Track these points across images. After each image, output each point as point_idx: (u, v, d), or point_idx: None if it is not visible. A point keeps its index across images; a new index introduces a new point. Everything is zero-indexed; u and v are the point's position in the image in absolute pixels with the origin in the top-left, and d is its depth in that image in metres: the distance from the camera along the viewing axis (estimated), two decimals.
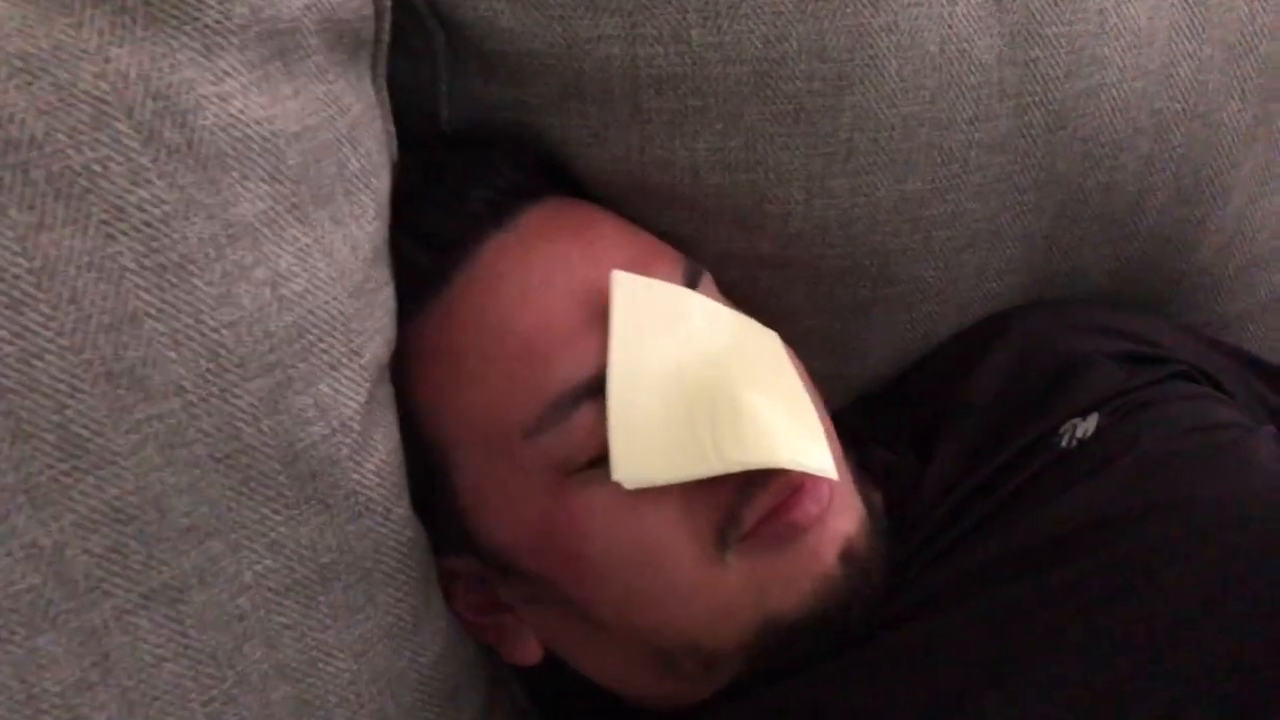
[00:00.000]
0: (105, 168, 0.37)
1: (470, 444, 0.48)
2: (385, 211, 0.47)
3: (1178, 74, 0.57)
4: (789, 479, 0.46)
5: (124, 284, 0.37)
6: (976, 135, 0.54)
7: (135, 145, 0.37)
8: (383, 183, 0.47)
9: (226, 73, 0.39)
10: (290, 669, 0.43)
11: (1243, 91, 0.59)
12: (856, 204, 0.54)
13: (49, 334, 0.36)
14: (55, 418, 0.37)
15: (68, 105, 0.36)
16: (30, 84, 0.36)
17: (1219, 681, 0.44)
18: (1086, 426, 0.52)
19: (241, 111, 0.40)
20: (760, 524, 0.46)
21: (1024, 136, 0.55)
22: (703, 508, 0.46)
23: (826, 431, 0.49)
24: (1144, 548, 0.47)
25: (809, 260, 0.56)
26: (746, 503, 0.46)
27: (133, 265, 0.38)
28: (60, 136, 0.36)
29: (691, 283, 0.50)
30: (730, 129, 0.51)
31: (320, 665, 0.44)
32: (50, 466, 0.37)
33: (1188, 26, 0.56)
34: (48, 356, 0.36)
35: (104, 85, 0.37)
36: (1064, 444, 0.52)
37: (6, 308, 0.36)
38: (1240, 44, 0.58)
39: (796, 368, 0.51)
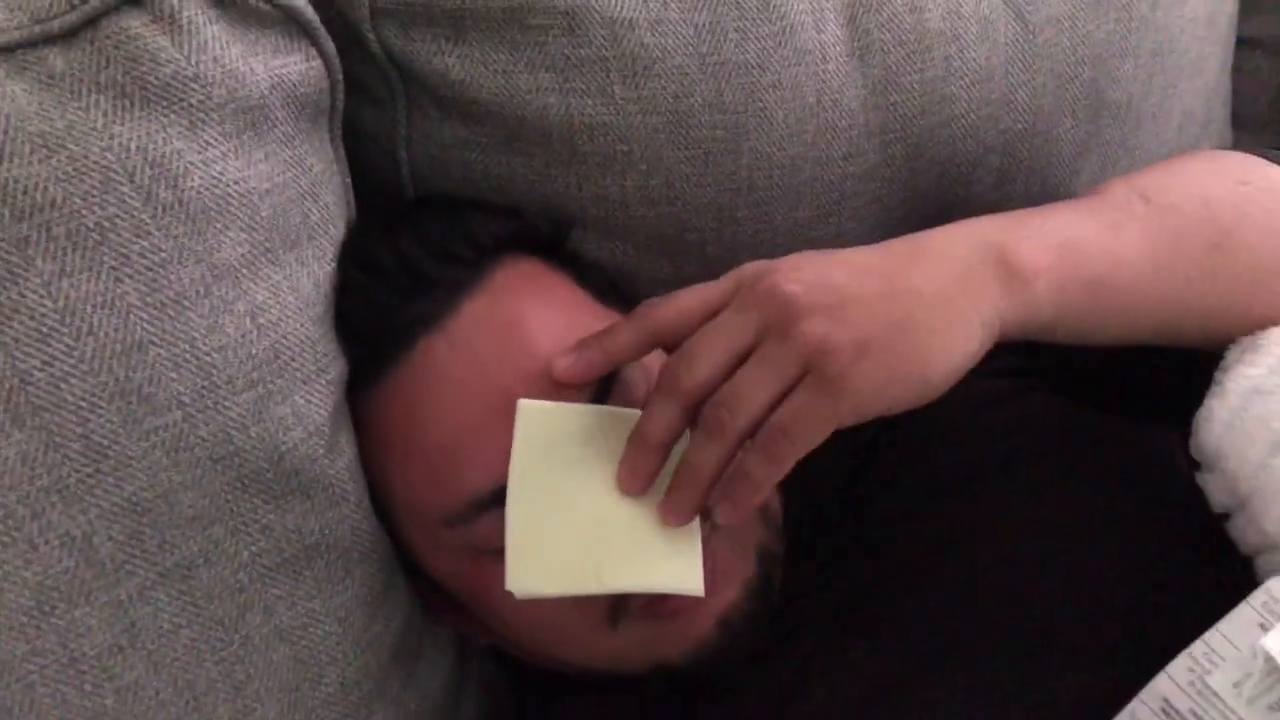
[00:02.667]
0: (113, 224, 0.41)
1: (402, 513, 0.51)
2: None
3: (1016, 100, 0.62)
4: None
5: (130, 318, 0.42)
6: (850, 168, 0.58)
7: (137, 204, 0.42)
8: (339, 229, 0.51)
9: (208, 143, 0.44)
10: (286, 632, 0.48)
11: (1073, 111, 0.64)
12: (759, 230, 0.58)
13: (72, 361, 0.41)
14: (79, 429, 0.41)
15: (81, 174, 0.41)
16: (49, 157, 0.40)
17: (1073, 607, 0.48)
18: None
19: (222, 174, 0.44)
20: (644, 606, 0.48)
21: (889, 166, 0.59)
22: (594, 599, 0.48)
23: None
24: (1008, 494, 0.52)
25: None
26: (632, 596, 0.48)
27: (137, 303, 0.42)
28: (76, 199, 0.41)
29: (608, 378, 0.49)
30: (652, 169, 0.55)
31: (310, 629, 0.49)
32: (77, 470, 0.41)
33: (1020, 60, 0.61)
34: (71, 380, 0.41)
35: (110, 156, 0.41)
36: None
37: (37, 340, 0.40)
38: (1066, 72, 0.63)
39: None
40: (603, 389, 0.48)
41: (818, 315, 0.41)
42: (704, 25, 0.53)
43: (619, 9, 0.52)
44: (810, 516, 0.55)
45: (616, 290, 0.56)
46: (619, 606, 0.49)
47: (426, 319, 0.49)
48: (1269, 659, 0.41)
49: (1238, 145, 0.88)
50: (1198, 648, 0.42)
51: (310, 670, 0.49)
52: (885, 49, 0.56)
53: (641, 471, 0.44)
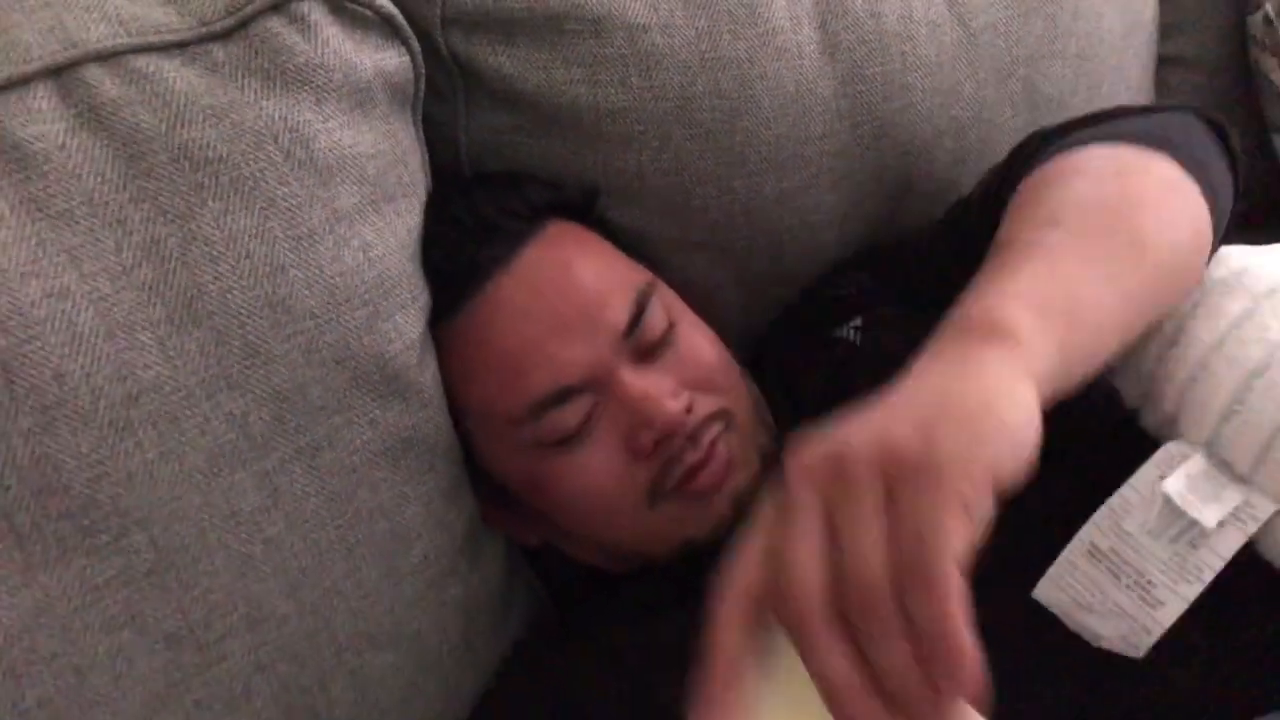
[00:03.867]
0: (263, 174, 0.54)
1: (474, 417, 0.63)
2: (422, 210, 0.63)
3: (963, 91, 0.75)
4: (699, 456, 0.59)
5: (276, 248, 0.54)
6: (825, 146, 0.71)
7: (280, 160, 0.54)
8: (421, 192, 0.63)
9: (329, 115, 0.57)
10: (386, 509, 0.59)
11: (1012, 103, 0.77)
12: (752, 198, 0.70)
13: (235, 277, 0.53)
14: (239, 331, 0.53)
15: (239, 136, 0.53)
16: (217, 124, 0.53)
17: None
18: (855, 325, 0.67)
19: (340, 139, 0.57)
20: (676, 487, 0.60)
21: (859, 144, 0.72)
22: (639, 474, 0.60)
23: (739, 389, 0.63)
24: None
25: (724, 244, 0.72)
26: (668, 473, 0.60)
27: (281, 235, 0.54)
28: (236, 156, 0.53)
29: (642, 303, 0.61)
30: (663, 146, 0.67)
31: (403, 508, 0.60)
32: (238, 363, 0.53)
33: (964, 58, 0.74)
34: (234, 292, 0.53)
35: (260, 124, 0.54)
36: (850, 338, 0.66)
37: (209, 261, 0.52)
38: (1003, 69, 0.76)
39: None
40: (639, 307, 0.61)
41: (862, 443, 0.35)
42: (703, 28, 0.66)
43: (636, 16, 0.65)
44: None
45: (634, 250, 0.68)
46: (657, 488, 0.60)
47: (497, 260, 0.61)
48: (1166, 499, 0.53)
49: None
50: (1114, 500, 0.53)
51: (402, 542, 0.60)
52: (850, 47, 0.70)
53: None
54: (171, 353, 0.51)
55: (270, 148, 0.54)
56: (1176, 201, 0.52)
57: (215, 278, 0.53)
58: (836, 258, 0.77)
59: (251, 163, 0.53)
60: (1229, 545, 0.49)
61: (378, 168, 0.59)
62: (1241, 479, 0.52)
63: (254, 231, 0.53)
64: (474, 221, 0.62)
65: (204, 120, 0.53)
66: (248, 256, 0.53)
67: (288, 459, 0.55)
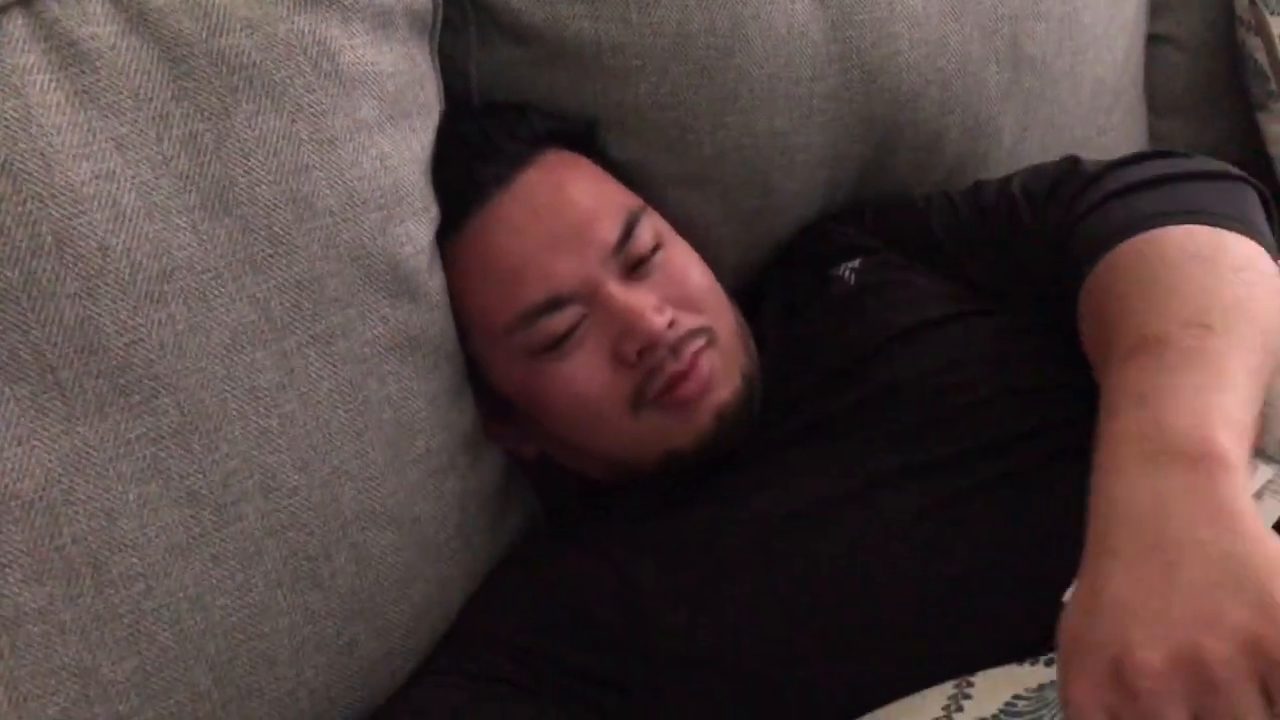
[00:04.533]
0: (291, 81, 0.59)
1: (476, 329, 0.68)
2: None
3: (949, 43, 0.79)
4: (680, 366, 0.64)
5: (301, 149, 0.59)
6: (816, 88, 0.76)
7: (308, 69, 0.60)
8: (435, 114, 0.68)
9: (354, 33, 0.62)
10: (393, 400, 0.64)
11: (997, 59, 0.82)
12: (743, 135, 0.75)
13: (263, 171, 0.58)
14: (265, 220, 0.58)
15: (271, 45, 0.59)
16: (252, 34, 0.58)
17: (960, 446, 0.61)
18: (853, 266, 0.73)
19: (363, 56, 0.62)
20: (658, 395, 0.65)
21: (848, 89, 0.77)
22: (623, 382, 0.65)
23: (723, 312, 0.69)
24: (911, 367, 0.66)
25: (717, 178, 0.76)
26: (650, 382, 0.65)
27: (306, 138, 0.60)
28: (268, 63, 0.58)
29: (631, 223, 0.66)
30: (660, 81, 0.72)
31: (409, 401, 0.65)
32: (262, 250, 0.59)
33: (951, 11, 0.79)
34: (262, 185, 0.58)
35: (291, 35, 0.59)
36: (845, 277, 0.72)
37: (240, 156, 0.58)
38: (989, 25, 0.81)
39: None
40: (627, 230, 0.66)
41: (1208, 637, 0.37)
42: None
43: None
44: (786, 368, 0.72)
45: (629, 180, 0.72)
46: (639, 396, 0.65)
47: (498, 179, 0.66)
48: None
49: (1154, 127, 1.04)
50: None
51: (406, 433, 0.65)
52: None
53: None
54: (203, 236, 0.57)
55: (299, 58, 0.59)
56: (1274, 277, 0.54)
57: (245, 172, 0.58)
58: (825, 198, 0.81)
59: (281, 70, 0.59)
60: (1270, 514, 0.48)
61: (396, 86, 0.64)
62: (1272, 459, 0.51)
63: (282, 132, 0.59)
64: (479, 144, 0.67)
65: (240, 29, 0.58)
66: (275, 155, 0.59)
67: (304, 343, 0.60)
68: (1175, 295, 0.52)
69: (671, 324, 0.65)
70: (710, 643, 0.63)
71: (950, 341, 0.67)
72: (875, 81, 0.78)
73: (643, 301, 0.65)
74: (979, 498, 0.60)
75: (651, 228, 0.68)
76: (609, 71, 0.72)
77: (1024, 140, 0.88)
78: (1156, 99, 1.05)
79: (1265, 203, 0.63)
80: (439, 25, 0.69)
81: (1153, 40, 1.04)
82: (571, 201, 0.66)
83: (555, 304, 0.65)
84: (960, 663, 0.54)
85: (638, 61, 0.71)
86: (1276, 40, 0.97)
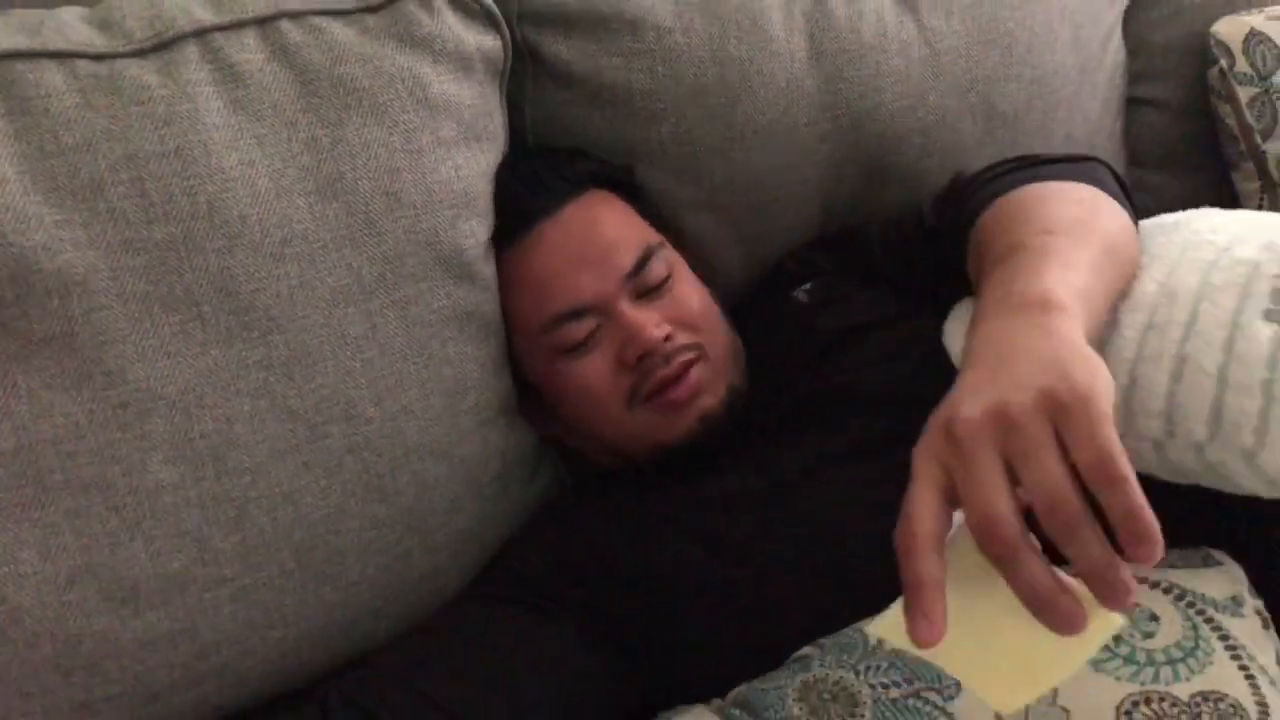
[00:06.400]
0: (390, 104, 0.76)
1: (512, 328, 0.82)
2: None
3: (928, 99, 0.93)
4: (669, 371, 0.77)
5: (395, 156, 0.76)
6: (810, 131, 0.90)
7: (404, 96, 0.77)
8: (501, 144, 0.84)
9: (442, 72, 0.79)
10: (450, 360, 0.79)
11: (972, 114, 0.96)
12: (747, 169, 0.89)
13: (365, 169, 0.75)
14: (363, 208, 0.75)
15: (379, 74, 0.76)
16: (364, 65, 0.76)
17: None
18: (806, 289, 0.86)
19: (446, 89, 0.79)
20: (650, 395, 0.78)
21: (838, 133, 0.91)
22: (622, 382, 0.78)
23: (717, 333, 0.82)
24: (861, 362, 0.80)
25: (728, 205, 0.91)
26: (644, 382, 0.78)
27: (399, 148, 0.76)
28: (375, 89, 0.75)
29: (645, 258, 0.79)
30: (680, 122, 0.87)
31: (464, 364, 0.80)
32: (360, 229, 0.75)
33: (930, 72, 0.93)
34: (363, 182, 0.75)
35: (393, 69, 0.77)
36: (799, 298, 0.86)
37: (348, 157, 0.75)
38: (963, 84, 0.95)
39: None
40: (640, 262, 0.80)
41: (1018, 398, 0.44)
42: (715, 33, 0.87)
43: (663, 20, 0.85)
44: (758, 375, 0.86)
45: (663, 221, 0.87)
46: (634, 394, 0.79)
47: (545, 210, 0.81)
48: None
49: (1138, 181, 1.16)
50: None
51: (460, 387, 0.80)
52: (833, 54, 0.90)
53: (1066, 613, 0.43)
54: (317, 215, 0.74)
55: (399, 86, 0.77)
56: (1117, 210, 0.70)
57: (351, 169, 0.75)
58: (820, 226, 0.96)
59: (385, 94, 0.76)
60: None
61: (471, 114, 0.81)
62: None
63: (381, 141, 0.76)
64: (533, 180, 0.82)
65: (355, 61, 0.76)
66: (375, 158, 0.76)
67: (385, 305, 0.77)
68: (1030, 217, 0.65)
69: (668, 338, 0.78)
70: (699, 580, 0.76)
71: (880, 342, 0.81)
72: (862, 127, 0.93)
73: (645, 318, 0.78)
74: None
75: (665, 261, 0.82)
76: (638, 113, 0.87)
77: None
78: (1139, 155, 1.17)
79: (1117, 178, 0.77)
80: (508, 71, 0.86)
81: (1133, 103, 1.16)
82: (600, 233, 0.80)
83: (576, 314, 0.79)
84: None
85: (661, 105, 0.87)
86: (1245, 108, 1.11)
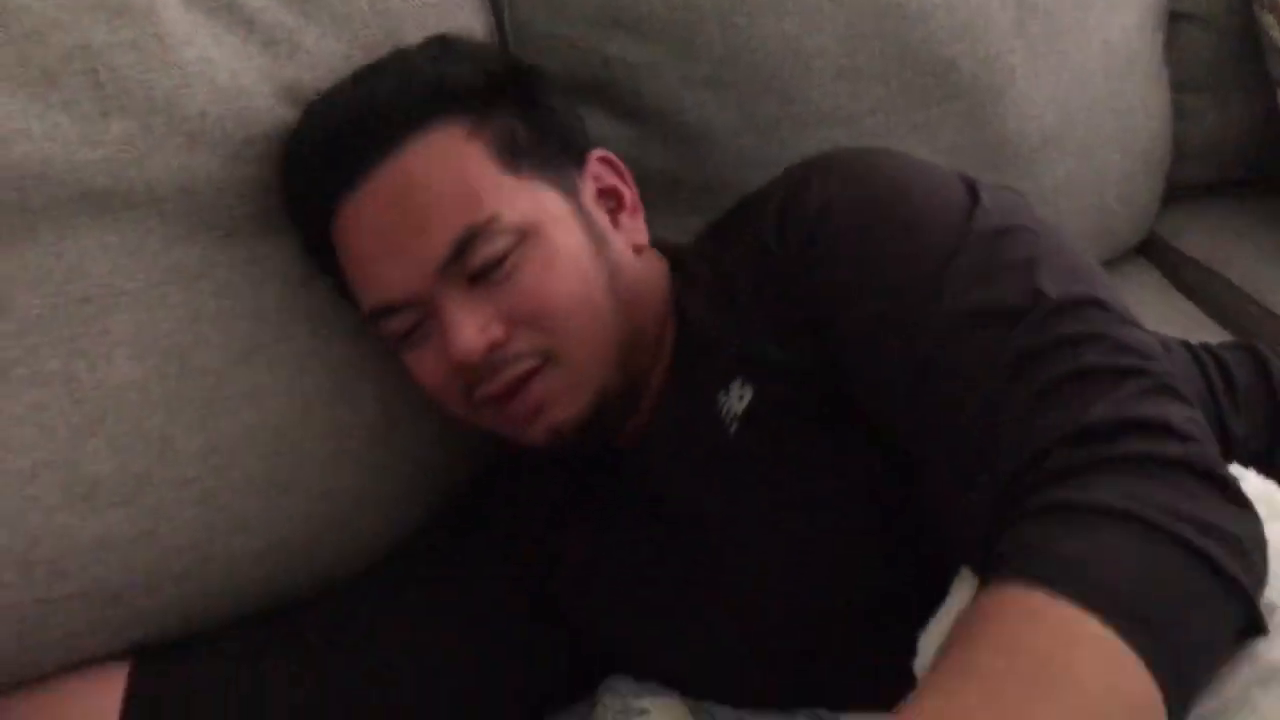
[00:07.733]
0: (351, 16, 0.76)
1: None
2: None
3: None
4: (494, 389, 0.63)
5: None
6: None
7: (365, 9, 0.77)
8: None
9: None
10: None
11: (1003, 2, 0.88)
12: (753, 35, 0.81)
13: (327, 75, 0.75)
14: None
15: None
16: None
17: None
18: (742, 397, 0.62)
19: None
20: (485, 401, 0.64)
21: None
22: (454, 381, 0.65)
23: (582, 329, 0.64)
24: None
25: (733, 81, 0.82)
26: (477, 386, 0.64)
27: (360, 61, 0.76)
28: (334, 1, 0.76)
29: (465, 241, 0.62)
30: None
31: None
32: None
33: None
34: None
35: None
36: (726, 419, 0.62)
37: (310, 67, 0.75)
38: None
39: None
40: (453, 258, 0.62)
41: None
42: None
43: None
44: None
45: (571, 151, 0.69)
46: (469, 390, 0.65)
47: (348, 181, 0.65)
48: None
49: (1178, 102, 1.06)
50: None
51: None
52: None
53: None
54: (277, 118, 0.73)
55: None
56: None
57: (312, 78, 0.74)
58: (851, 117, 0.85)
59: (345, 7, 0.75)
60: None
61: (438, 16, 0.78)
62: None
63: (342, 54, 0.75)
64: (347, 127, 0.66)
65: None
66: (334, 72, 0.75)
67: None
68: (976, 651, 0.45)
69: (495, 346, 0.63)
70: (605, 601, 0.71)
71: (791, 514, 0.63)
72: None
73: (465, 320, 0.62)
74: None
75: (510, 238, 0.63)
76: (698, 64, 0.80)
77: (1038, 85, 0.91)
78: (1181, 74, 1.07)
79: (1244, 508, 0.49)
80: None
81: (1175, 18, 1.06)
82: (411, 208, 0.63)
83: (389, 309, 0.65)
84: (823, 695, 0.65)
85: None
86: None
